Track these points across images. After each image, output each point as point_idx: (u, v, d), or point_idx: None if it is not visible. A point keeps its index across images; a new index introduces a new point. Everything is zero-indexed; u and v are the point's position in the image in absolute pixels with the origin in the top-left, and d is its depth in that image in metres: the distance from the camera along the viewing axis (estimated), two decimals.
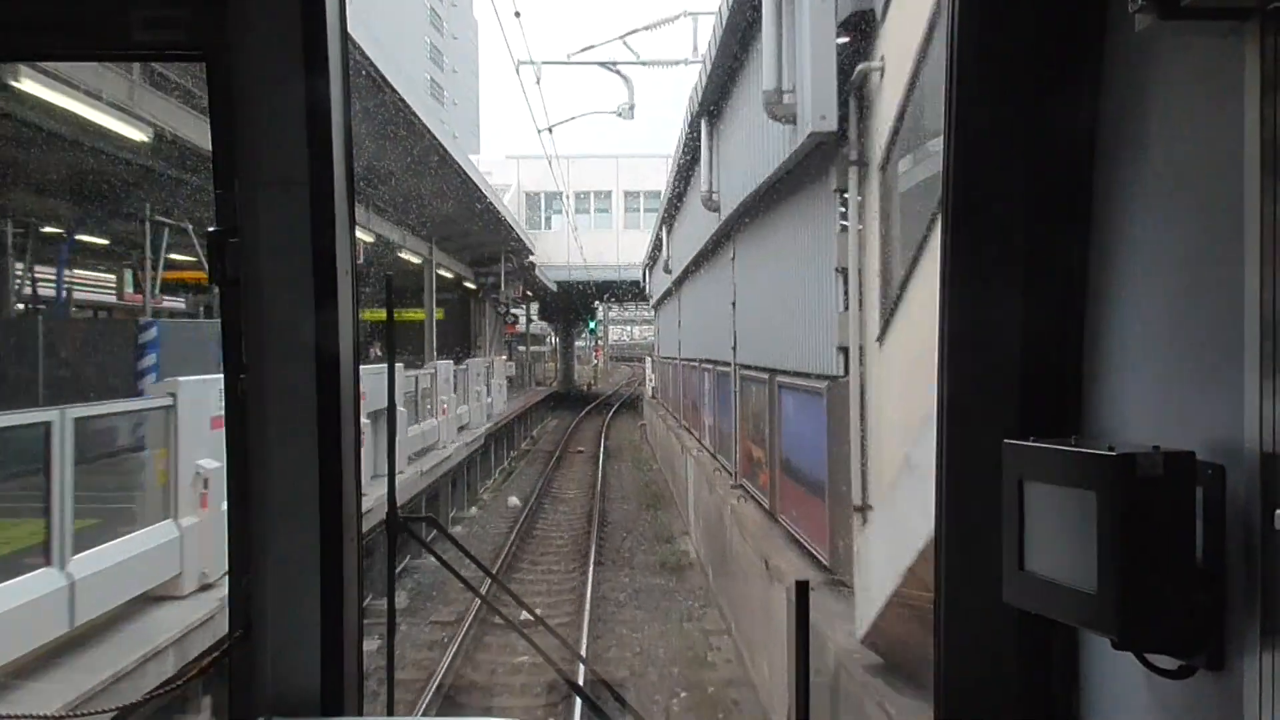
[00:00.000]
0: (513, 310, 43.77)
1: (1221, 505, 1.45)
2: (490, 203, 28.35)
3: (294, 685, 2.11)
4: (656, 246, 33.49)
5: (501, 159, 53.53)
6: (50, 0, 2.08)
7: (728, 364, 16.56)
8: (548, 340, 70.50)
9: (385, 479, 2.63)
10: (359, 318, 2.24)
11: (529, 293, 47.94)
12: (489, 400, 30.12)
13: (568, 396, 57.18)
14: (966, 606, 1.90)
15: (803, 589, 2.40)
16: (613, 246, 48.77)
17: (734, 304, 15.64)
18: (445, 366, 23.37)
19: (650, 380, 45.35)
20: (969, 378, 1.89)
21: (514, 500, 24.07)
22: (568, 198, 48.01)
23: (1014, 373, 1.85)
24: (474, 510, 23.74)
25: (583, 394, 61.74)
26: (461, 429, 24.74)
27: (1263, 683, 1.36)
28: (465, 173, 23.73)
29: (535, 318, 58.33)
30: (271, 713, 2.10)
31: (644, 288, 43.39)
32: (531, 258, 41.03)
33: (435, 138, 19.80)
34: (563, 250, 46.94)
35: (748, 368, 14.73)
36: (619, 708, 2.61)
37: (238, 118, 2.04)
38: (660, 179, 38.10)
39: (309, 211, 2.05)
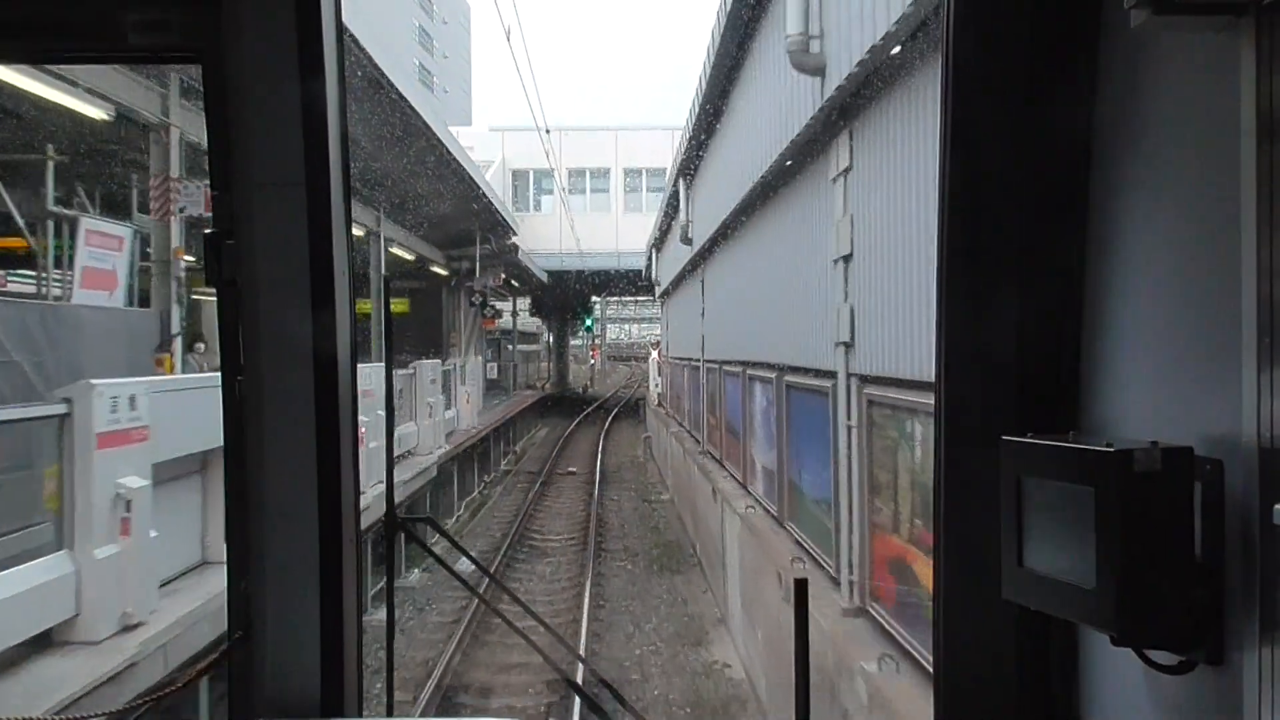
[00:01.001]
0: (492, 302, 37.23)
1: (1220, 500, 1.44)
2: (455, 158, 21.68)
3: (294, 687, 2.16)
4: (669, 215, 26.27)
5: (485, 132, 47.78)
6: (45, 3, 2.12)
7: (824, 373, 9.26)
8: (540, 338, 64.27)
9: None
10: (356, 318, 2.26)
11: (515, 283, 41.85)
12: (450, 414, 23.26)
13: (561, 400, 51.20)
14: (966, 604, 1.89)
15: (802, 586, 2.23)
16: (611, 231, 43.20)
17: (847, 258, 8.25)
18: (370, 373, 16.18)
19: (655, 384, 38.81)
20: (966, 374, 1.88)
21: (467, 569, 16.64)
22: (560, 175, 41.92)
23: (1011, 369, 1.85)
24: (415, 574, 16.73)
25: (578, 396, 56.21)
26: (397, 460, 17.89)
27: (1262, 677, 1.36)
28: (420, 116, 17.85)
29: (526, 313, 52.28)
30: (271, 715, 2.14)
31: (650, 276, 36.81)
32: (514, 238, 34.66)
33: (377, 67, 14.36)
34: (555, 235, 41.42)
35: (886, 382, 7.39)
36: (618, 707, 2.52)
37: (233, 119, 2.09)
38: (665, 156, 33.15)
39: (305, 212, 2.10)
